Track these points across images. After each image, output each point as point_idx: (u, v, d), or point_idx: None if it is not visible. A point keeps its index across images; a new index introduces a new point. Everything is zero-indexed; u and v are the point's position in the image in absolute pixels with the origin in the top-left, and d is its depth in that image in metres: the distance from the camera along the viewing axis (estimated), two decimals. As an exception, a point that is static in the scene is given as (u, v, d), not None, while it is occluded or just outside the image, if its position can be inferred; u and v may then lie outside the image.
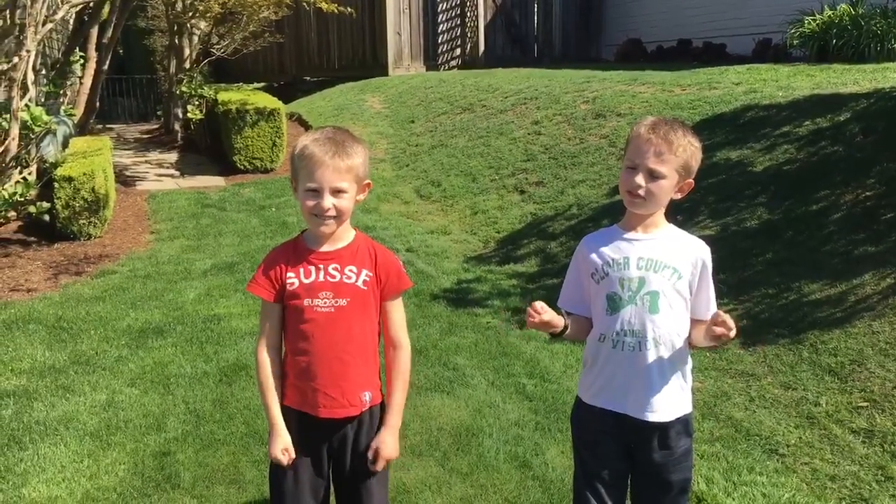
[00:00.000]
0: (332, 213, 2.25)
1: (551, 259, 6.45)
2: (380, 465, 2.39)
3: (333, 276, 2.32)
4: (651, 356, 2.34)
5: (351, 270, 2.33)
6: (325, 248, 2.35)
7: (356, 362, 2.35)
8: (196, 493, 3.44)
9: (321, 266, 2.33)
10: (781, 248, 5.50)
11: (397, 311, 2.44)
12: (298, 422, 2.37)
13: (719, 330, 2.23)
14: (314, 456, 2.40)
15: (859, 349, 4.32)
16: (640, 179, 2.29)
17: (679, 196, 2.38)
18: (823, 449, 3.78)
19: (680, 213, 6.21)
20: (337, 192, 2.25)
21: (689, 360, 2.42)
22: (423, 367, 4.74)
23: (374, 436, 2.43)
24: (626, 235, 2.41)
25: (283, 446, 2.34)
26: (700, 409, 4.19)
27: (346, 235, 2.38)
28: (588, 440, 2.49)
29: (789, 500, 3.40)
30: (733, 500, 3.40)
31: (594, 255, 2.42)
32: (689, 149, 2.30)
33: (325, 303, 2.30)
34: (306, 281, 2.32)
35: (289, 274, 2.33)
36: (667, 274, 2.33)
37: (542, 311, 2.32)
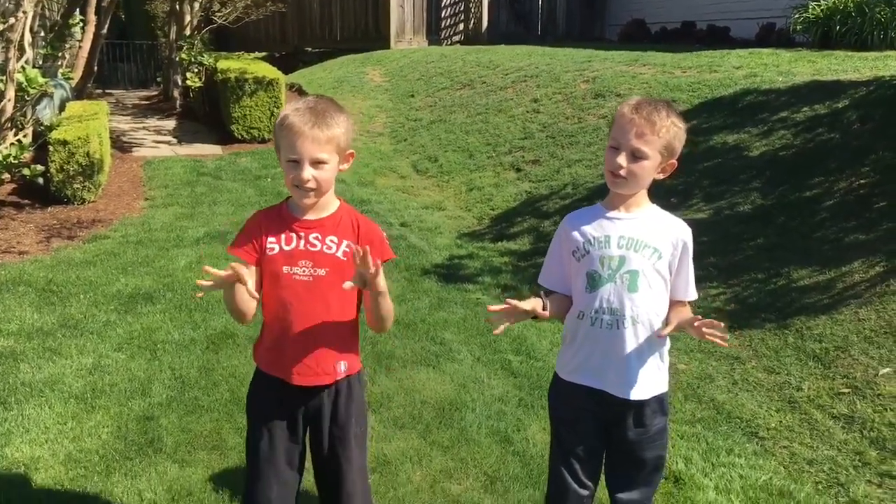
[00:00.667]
0: (312, 184, 2.24)
1: (544, 238, 6.45)
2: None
3: (314, 245, 2.31)
4: (629, 334, 2.35)
5: (332, 241, 2.32)
6: (308, 216, 2.35)
7: (332, 332, 2.35)
8: (178, 457, 3.46)
9: (302, 234, 2.32)
10: (773, 234, 5.50)
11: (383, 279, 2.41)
12: (273, 387, 2.38)
13: (713, 339, 2.24)
14: (289, 421, 2.41)
15: (844, 336, 4.34)
16: (621, 160, 2.28)
17: (661, 176, 2.38)
18: (803, 433, 3.80)
19: (674, 196, 6.22)
20: (317, 163, 2.23)
21: (667, 340, 2.43)
22: (410, 341, 4.76)
23: (351, 404, 2.43)
24: (608, 214, 2.41)
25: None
26: (683, 391, 4.21)
27: (329, 205, 2.37)
28: (565, 417, 2.51)
29: (766, 483, 3.43)
30: (710, 480, 3.43)
31: (576, 233, 2.42)
32: (672, 129, 2.29)
33: (303, 271, 2.30)
34: (287, 248, 2.31)
35: (270, 239, 2.32)
36: (647, 253, 2.34)
37: (513, 303, 2.31)
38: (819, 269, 4.94)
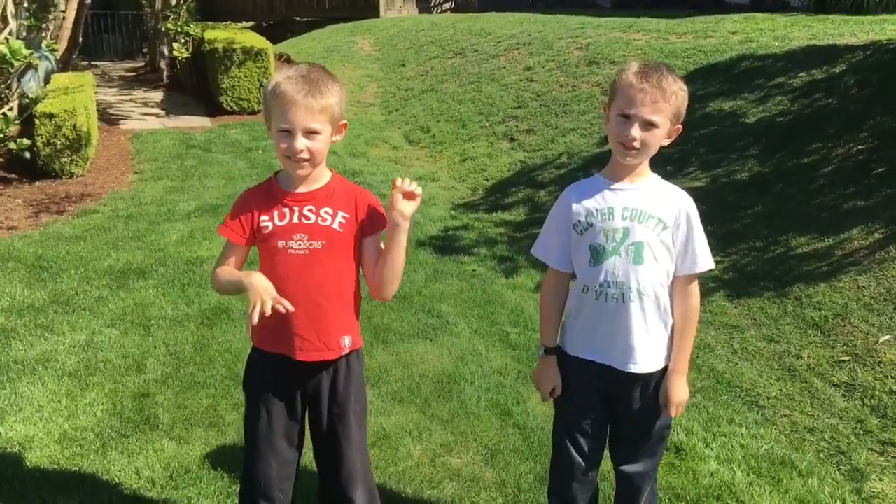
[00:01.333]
0: (306, 155, 2.17)
1: (539, 208, 6.39)
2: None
3: (308, 218, 2.25)
4: (634, 308, 2.30)
5: (326, 212, 2.25)
6: (299, 189, 2.28)
7: (333, 306, 2.30)
8: (175, 434, 3.42)
9: (295, 208, 2.25)
10: (771, 201, 5.46)
11: (380, 248, 2.33)
12: (273, 364, 2.33)
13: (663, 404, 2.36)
14: (288, 399, 2.36)
15: (844, 303, 4.31)
16: (635, 131, 2.21)
17: (668, 142, 2.31)
18: (803, 402, 3.79)
19: (670, 164, 6.16)
20: (310, 133, 2.16)
21: (671, 312, 2.38)
22: (406, 314, 4.71)
23: (351, 380, 2.39)
24: (610, 186, 2.34)
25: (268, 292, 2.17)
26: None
27: (321, 177, 2.30)
28: (568, 391, 2.46)
29: (767, 452, 3.41)
30: (711, 450, 3.41)
31: (577, 206, 2.35)
32: (680, 94, 2.24)
33: (299, 245, 2.24)
34: (280, 223, 2.25)
35: (262, 217, 2.25)
36: (651, 224, 2.28)
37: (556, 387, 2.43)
38: (818, 237, 4.90)
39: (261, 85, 10.47)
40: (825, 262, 4.67)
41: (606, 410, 2.44)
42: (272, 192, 2.30)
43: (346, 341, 2.34)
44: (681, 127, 2.31)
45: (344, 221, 2.26)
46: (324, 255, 2.24)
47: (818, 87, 6.47)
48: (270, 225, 2.24)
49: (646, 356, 2.33)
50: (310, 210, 2.25)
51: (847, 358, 3.98)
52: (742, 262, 4.98)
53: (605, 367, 2.36)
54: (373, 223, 2.31)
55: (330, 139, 2.23)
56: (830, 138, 5.79)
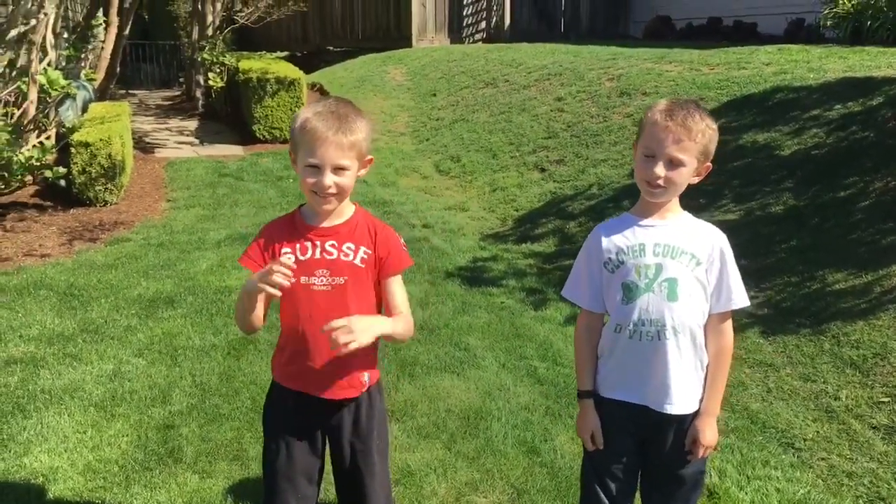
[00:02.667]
0: (333, 190, 2.15)
1: (569, 239, 6.33)
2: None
3: (330, 254, 2.22)
4: (671, 346, 2.24)
5: (349, 248, 2.23)
6: (323, 223, 2.26)
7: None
8: (198, 468, 3.39)
9: (318, 242, 2.23)
10: (806, 235, 5.35)
11: (398, 287, 2.32)
12: (295, 400, 2.30)
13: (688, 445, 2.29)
14: (309, 436, 2.33)
15: (883, 342, 4.19)
16: (659, 170, 2.18)
17: (697, 180, 2.27)
18: (841, 444, 3.67)
19: (703, 197, 6.08)
20: (339, 169, 2.15)
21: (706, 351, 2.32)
22: (433, 347, 4.66)
23: (372, 416, 2.35)
24: (640, 222, 2.30)
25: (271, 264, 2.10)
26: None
27: (345, 211, 2.28)
28: (600, 440, 2.39)
29: (804, 497, 3.30)
30: (746, 494, 3.31)
31: (607, 243, 2.31)
32: (707, 133, 2.20)
33: (321, 281, 2.21)
34: (302, 258, 2.22)
35: (284, 250, 2.23)
36: (685, 260, 2.23)
37: (597, 435, 2.36)
38: (855, 273, 4.79)
39: (293, 114, 10.55)
40: (863, 299, 4.55)
41: (639, 455, 2.37)
42: (295, 224, 2.28)
43: (366, 377, 2.31)
44: (710, 165, 2.27)
45: (366, 257, 2.24)
46: (346, 291, 2.22)
47: (854, 120, 6.36)
48: (292, 258, 2.22)
49: (682, 396, 2.26)
50: (332, 245, 2.23)
51: (887, 399, 3.86)
52: (777, 298, 4.87)
53: (639, 407, 2.29)
54: (391, 265, 2.28)
55: (356, 175, 2.21)
56: (867, 172, 5.68)
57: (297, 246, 2.24)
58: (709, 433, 2.29)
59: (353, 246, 2.24)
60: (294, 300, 2.23)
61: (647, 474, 2.41)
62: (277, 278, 2.05)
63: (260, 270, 2.13)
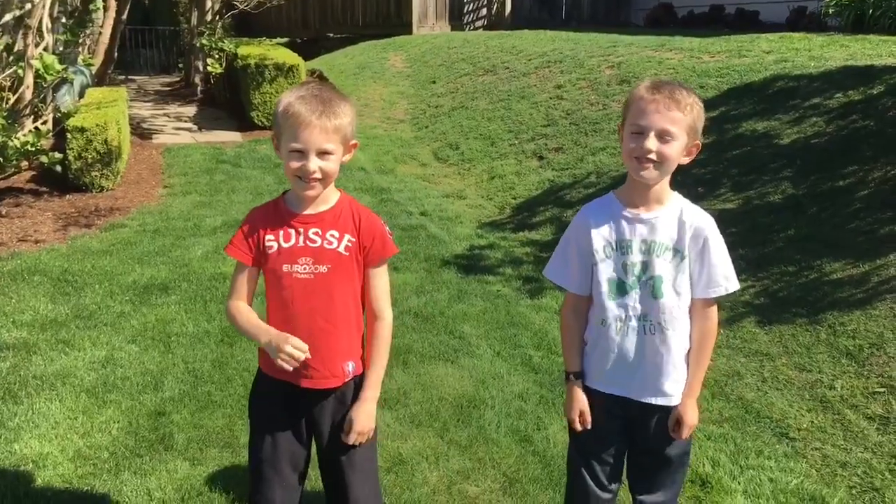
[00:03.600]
0: (318, 175, 2.12)
1: (566, 227, 6.28)
2: (351, 439, 2.26)
3: (314, 241, 2.20)
4: (657, 341, 2.24)
5: (332, 235, 2.21)
6: (307, 210, 2.23)
7: (338, 331, 2.25)
8: (189, 455, 3.38)
9: (301, 230, 2.20)
10: (804, 225, 5.31)
11: (380, 279, 2.30)
12: (276, 389, 2.28)
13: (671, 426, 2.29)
14: (294, 425, 2.31)
15: (879, 332, 4.16)
16: (651, 143, 2.13)
17: (687, 160, 2.22)
18: (836, 434, 3.65)
19: (701, 185, 6.04)
20: (323, 153, 2.11)
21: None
22: (428, 335, 4.65)
23: None
24: (626, 213, 2.26)
25: (287, 339, 2.16)
26: (710, 388, 4.06)
27: (329, 198, 2.25)
28: (589, 421, 2.38)
29: (797, 487, 3.28)
30: (739, 484, 3.29)
31: (594, 234, 2.28)
32: (695, 107, 2.16)
33: (304, 269, 2.19)
34: (286, 245, 2.20)
35: (268, 237, 2.21)
36: (668, 256, 2.21)
37: (585, 415, 2.34)
38: (853, 262, 4.76)
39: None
40: (860, 289, 4.53)
41: (625, 438, 2.36)
42: (279, 211, 2.25)
43: (350, 367, 2.28)
44: (700, 143, 2.23)
45: (350, 245, 2.21)
46: (329, 279, 2.19)
47: (855, 109, 6.32)
48: (275, 245, 2.20)
49: (668, 389, 2.26)
50: (315, 233, 2.20)
51: (882, 389, 3.83)
52: (774, 287, 4.84)
53: (625, 399, 2.29)
54: (375, 253, 2.26)
55: (341, 159, 2.18)
56: (867, 161, 5.64)
57: (281, 233, 2.21)
58: (691, 414, 2.28)
59: (336, 234, 2.21)
60: (278, 288, 2.22)
61: (632, 456, 2.41)
62: (285, 365, 2.13)
63: (278, 339, 2.15)
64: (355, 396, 2.31)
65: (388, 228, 2.32)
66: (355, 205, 2.29)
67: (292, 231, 2.21)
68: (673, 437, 2.30)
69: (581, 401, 2.35)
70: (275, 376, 2.27)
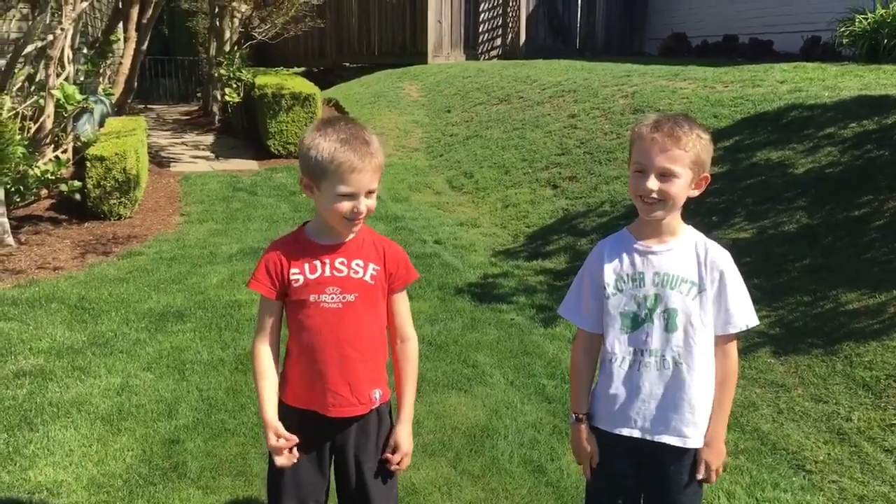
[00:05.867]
0: (365, 214, 2.18)
1: (580, 256, 6.29)
2: (396, 459, 2.34)
3: (340, 271, 2.22)
4: (671, 376, 2.19)
5: (358, 265, 2.23)
6: (329, 241, 2.25)
7: (365, 359, 2.27)
8: (202, 483, 3.38)
9: (326, 260, 2.23)
10: (819, 255, 5.30)
11: (404, 303, 2.37)
12: (303, 420, 2.28)
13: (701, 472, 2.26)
14: (317, 454, 2.32)
15: (896, 364, 4.13)
16: (651, 183, 2.13)
17: (696, 193, 2.21)
18: (853, 467, 3.61)
19: (716, 215, 6.04)
20: (370, 193, 2.18)
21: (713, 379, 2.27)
22: (441, 364, 4.64)
23: (381, 433, 2.35)
24: (638, 246, 2.25)
25: (276, 433, 2.25)
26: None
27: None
28: (600, 467, 2.35)
29: (814, 521, 3.25)
30: (754, 517, 3.26)
31: (608, 268, 2.26)
32: (698, 142, 2.13)
33: (332, 298, 2.21)
34: (312, 276, 2.22)
35: (292, 270, 2.22)
36: (684, 289, 2.18)
37: (594, 458, 2.33)
38: (869, 293, 4.73)
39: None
40: (877, 320, 4.50)
41: (637, 479, 2.33)
42: (301, 243, 2.27)
43: (377, 394, 2.30)
44: (709, 176, 2.22)
45: (375, 273, 2.24)
46: (356, 307, 2.22)
47: (870, 138, 6.31)
48: (301, 278, 2.22)
49: (682, 429, 2.21)
50: (341, 262, 2.23)
51: (900, 422, 3.80)
52: (789, 318, 4.82)
53: (639, 440, 2.24)
54: (400, 279, 2.31)
55: None
56: (882, 191, 5.62)
57: (306, 265, 2.23)
58: (717, 456, 2.25)
59: (361, 263, 2.24)
60: (304, 317, 2.24)
61: (646, 500, 2.37)
62: (281, 461, 2.25)
63: (266, 430, 2.25)
64: (381, 422, 2.34)
65: (405, 255, 2.36)
66: (374, 234, 2.33)
67: (317, 262, 2.23)
68: (701, 480, 2.26)
69: (592, 446, 2.32)
70: (297, 406, 2.29)
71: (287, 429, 2.30)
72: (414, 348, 2.40)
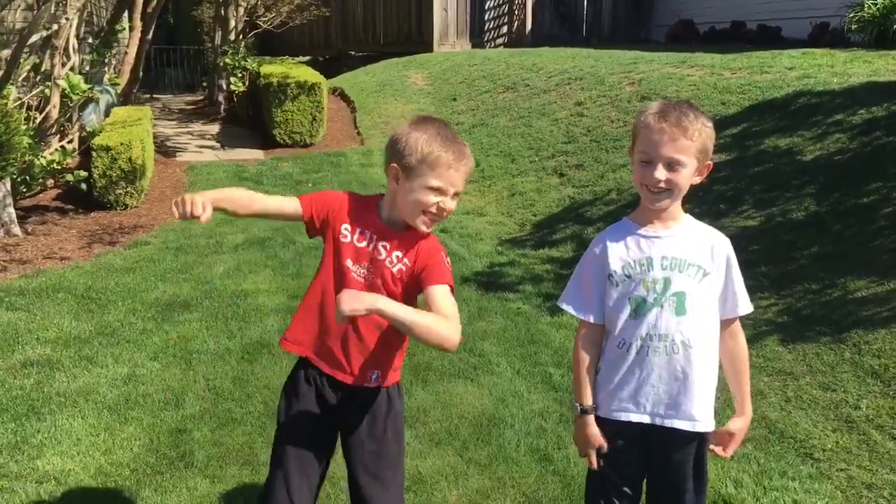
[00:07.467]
0: (444, 216, 2.25)
1: (587, 245, 6.20)
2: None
3: (380, 253, 2.25)
4: (681, 360, 2.18)
5: (396, 256, 2.25)
6: (389, 223, 2.28)
7: (371, 341, 2.27)
8: (209, 472, 3.39)
9: (375, 237, 2.26)
10: (828, 242, 5.26)
11: (442, 297, 2.17)
12: (310, 383, 2.34)
13: (717, 449, 2.31)
14: (322, 412, 2.34)
15: (905, 352, 4.11)
16: (659, 173, 2.12)
17: (699, 180, 2.21)
18: (861, 455, 3.59)
19: (724, 203, 6.01)
20: (456, 194, 2.24)
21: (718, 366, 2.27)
22: (447, 353, 4.63)
23: (391, 422, 2.34)
24: (643, 232, 2.24)
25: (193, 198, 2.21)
26: (732, 407, 4.00)
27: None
28: (605, 453, 2.34)
29: (822, 509, 3.23)
30: (762, 505, 3.25)
31: (612, 256, 2.25)
32: (704, 131, 2.14)
33: (361, 272, 2.26)
34: (358, 244, 2.27)
35: (344, 225, 2.28)
36: (692, 272, 2.17)
37: (602, 449, 2.30)
38: (877, 280, 4.70)
39: (313, 119, 10.59)
40: (885, 307, 4.47)
41: (644, 464, 2.32)
42: (369, 210, 2.32)
43: (374, 376, 2.31)
44: (711, 164, 2.22)
45: (404, 269, 2.24)
46: (378, 291, 2.22)
47: (879, 125, 6.26)
48: (349, 237, 2.27)
49: (693, 413, 2.20)
50: (384, 246, 2.26)
51: (909, 410, 3.78)
52: (797, 306, 4.79)
53: (645, 425, 2.23)
54: (427, 275, 2.22)
55: None
56: (891, 178, 5.58)
57: (359, 230, 2.28)
58: (742, 433, 2.34)
59: (400, 255, 2.25)
60: (331, 277, 2.28)
61: (652, 482, 2.35)
62: (188, 207, 2.16)
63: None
64: (391, 407, 2.35)
65: (447, 260, 2.27)
66: (430, 238, 2.29)
67: (367, 233, 2.27)
68: (718, 454, 2.32)
69: (599, 438, 2.30)
70: (292, 351, 2.35)
71: (298, 387, 2.35)
72: (446, 322, 2.14)
